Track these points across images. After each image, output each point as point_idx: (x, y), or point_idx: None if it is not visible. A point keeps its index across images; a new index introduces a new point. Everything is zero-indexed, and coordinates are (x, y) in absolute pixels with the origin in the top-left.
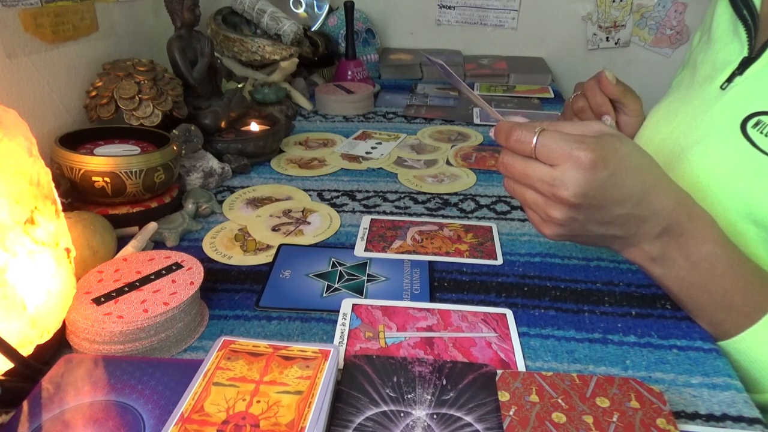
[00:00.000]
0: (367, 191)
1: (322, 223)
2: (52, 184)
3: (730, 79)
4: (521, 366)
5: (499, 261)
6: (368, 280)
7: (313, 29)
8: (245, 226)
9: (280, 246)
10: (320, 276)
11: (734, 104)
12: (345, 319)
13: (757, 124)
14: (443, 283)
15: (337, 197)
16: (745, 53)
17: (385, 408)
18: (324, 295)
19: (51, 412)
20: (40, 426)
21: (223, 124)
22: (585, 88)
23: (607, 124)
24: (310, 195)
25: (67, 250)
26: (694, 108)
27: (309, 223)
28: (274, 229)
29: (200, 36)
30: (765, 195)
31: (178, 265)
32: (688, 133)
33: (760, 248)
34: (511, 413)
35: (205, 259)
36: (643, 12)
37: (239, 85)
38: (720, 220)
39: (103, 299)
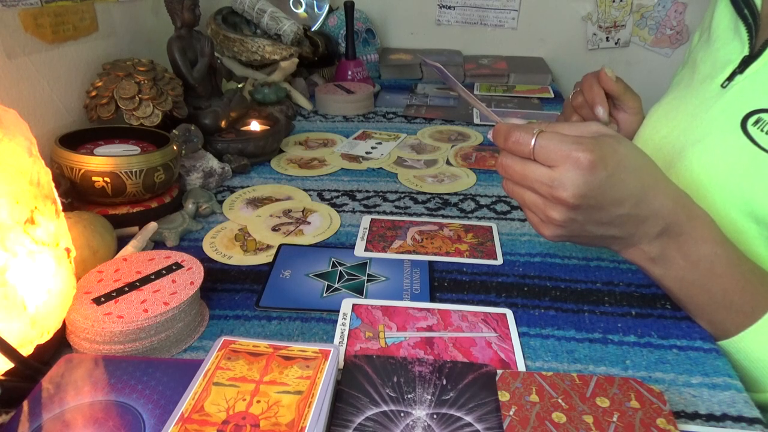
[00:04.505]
0: (367, 191)
1: (322, 223)
2: (52, 184)
3: (730, 78)
4: (521, 366)
5: (499, 261)
6: (368, 280)
7: (313, 29)
8: (245, 226)
9: (280, 246)
10: (320, 276)
11: (735, 102)
12: (345, 319)
13: (757, 121)
14: (443, 283)
15: (337, 197)
16: (745, 52)
17: (385, 408)
18: (324, 295)
19: (51, 412)
20: (40, 426)
21: (223, 124)
22: (582, 83)
23: (600, 115)
24: (310, 195)
25: (67, 250)
26: (694, 106)
27: (309, 223)
28: (274, 229)
29: (200, 36)
30: (766, 192)
31: (178, 265)
32: (688, 131)
33: (761, 246)
34: (511, 413)
35: (205, 259)
36: (643, 12)
37: (239, 85)
38: (721, 218)
39: (103, 299)
